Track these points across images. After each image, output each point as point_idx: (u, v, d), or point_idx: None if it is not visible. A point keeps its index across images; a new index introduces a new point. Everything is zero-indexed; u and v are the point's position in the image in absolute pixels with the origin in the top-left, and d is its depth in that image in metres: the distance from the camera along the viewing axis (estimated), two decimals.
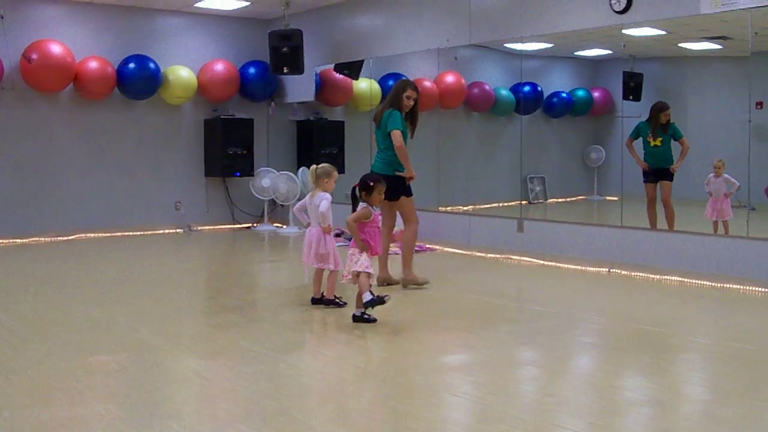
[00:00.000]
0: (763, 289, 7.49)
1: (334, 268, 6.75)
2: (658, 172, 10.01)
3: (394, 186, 7.64)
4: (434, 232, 10.81)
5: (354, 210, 6.43)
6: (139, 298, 7.43)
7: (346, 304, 6.71)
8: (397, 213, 8.06)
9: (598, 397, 4.53)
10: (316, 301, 6.92)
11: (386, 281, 7.81)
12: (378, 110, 7.98)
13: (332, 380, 4.77)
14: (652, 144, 10.12)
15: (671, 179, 10.00)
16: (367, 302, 6.10)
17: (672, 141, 10.12)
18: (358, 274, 6.20)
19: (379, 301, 6.10)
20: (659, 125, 10.06)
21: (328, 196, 6.77)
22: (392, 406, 4.29)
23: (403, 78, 7.99)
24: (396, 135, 7.66)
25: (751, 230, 8.60)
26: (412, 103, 7.80)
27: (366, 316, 6.16)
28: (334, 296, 6.85)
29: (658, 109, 10.18)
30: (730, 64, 11.53)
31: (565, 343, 5.76)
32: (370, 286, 6.26)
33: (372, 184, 6.44)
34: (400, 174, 7.78)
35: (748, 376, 4.95)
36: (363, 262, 6.22)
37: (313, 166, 6.95)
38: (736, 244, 8.06)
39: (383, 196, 6.61)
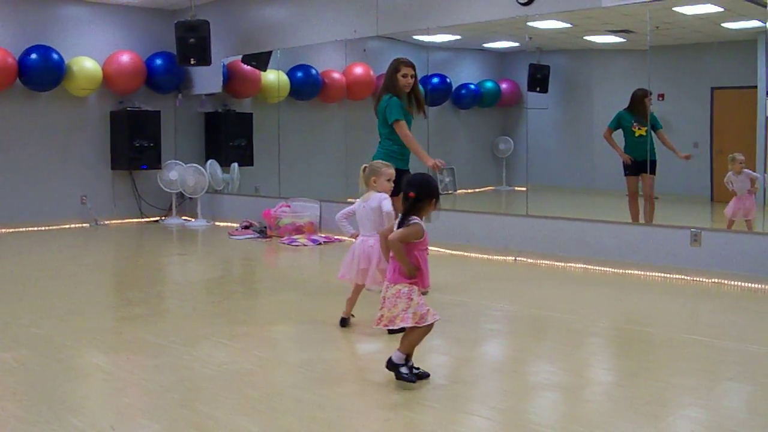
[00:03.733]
0: (661, 275, 7.73)
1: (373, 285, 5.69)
2: (640, 164, 9.40)
3: (398, 180, 6.74)
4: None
5: (402, 224, 4.45)
6: (42, 293, 7.26)
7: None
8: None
9: (504, 383, 4.60)
10: (345, 323, 5.83)
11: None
12: (375, 97, 7.08)
13: (236, 371, 4.74)
14: (637, 134, 9.45)
15: (654, 172, 9.46)
16: (398, 372, 4.40)
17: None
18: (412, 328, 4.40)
19: (410, 379, 4.38)
20: (643, 113, 9.40)
21: (386, 195, 5.69)
22: (296, 396, 4.28)
23: (395, 58, 6.88)
24: (398, 126, 6.73)
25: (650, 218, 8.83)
26: (410, 81, 6.79)
27: (407, 375, 4.39)
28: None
29: (642, 94, 9.44)
30: (633, 57, 11.78)
31: (472, 331, 5.82)
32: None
33: (417, 192, 4.43)
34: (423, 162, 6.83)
35: (647, 358, 5.11)
36: (419, 307, 4.37)
37: (363, 165, 5.84)
38: (637, 231, 8.26)
39: (436, 206, 4.55)
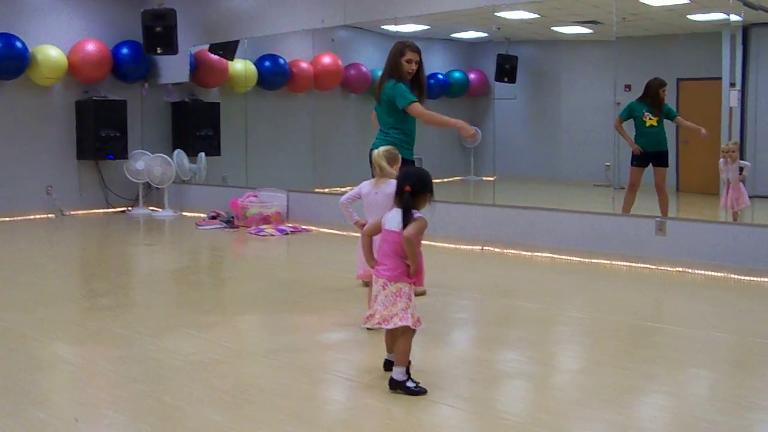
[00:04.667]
0: (627, 264, 7.79)
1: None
2: (651, 156, 9.27)
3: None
4: (310, 214, 10.81)
5: (407, 221, 4.20)
6: (6, 285, 7.18)
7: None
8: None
9: (470, 371, 4.62)
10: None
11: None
12: (377, 83, 6.52)
13: (202, 361, 4.72)
14: (648, 124, 9.26)
15: (666, 164, 9.37)
16: (406, 388, 4.14)
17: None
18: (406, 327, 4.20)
19: (421, 390, 4.14)
20: (657, 103, 9.24)
21: None
22: (262, 386, 4.27)
23: (400, 41, 6.47)
24: (415, 108, 6.22)
25: (616, 207, 8.90)
26: (414, 67, 6.32)
27: (416, 387, 4.16)
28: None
29: (658, 85, 9.31)
30: (600, 48, 11.85)
31: (440, 320, 5.83)
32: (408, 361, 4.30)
33: (413, 186, 4.26)
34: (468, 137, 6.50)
35: (613, 346, 5.15)
36: (415, 310, 4.23)
37: (376, 150, 5.41)
38: (603, 221, 8.30)
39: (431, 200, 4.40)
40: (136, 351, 4.95)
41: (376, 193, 5.43)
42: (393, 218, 4.26)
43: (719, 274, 7.31)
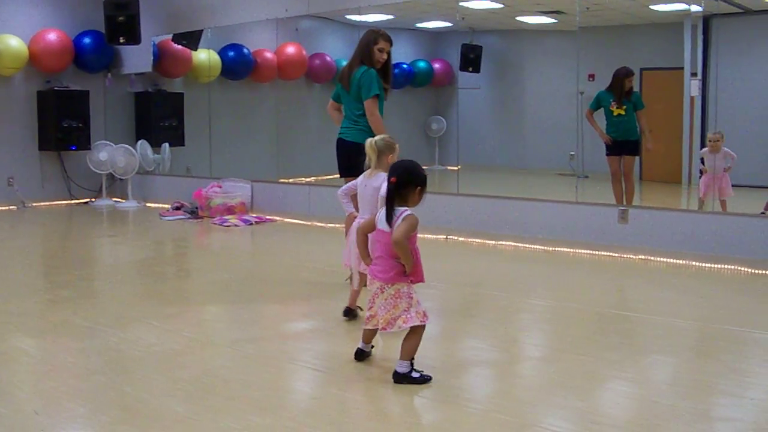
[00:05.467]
0: (590, 252, 7.85)
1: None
2: (621, 144, 9.29)
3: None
4: (274, 204, 10.79)
5: (390, 217, 4.11)
6: None
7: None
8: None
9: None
10: (349, 313, 5.34)
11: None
12: (344, 69, 6.43)
13: (165, 352, 4.69)
14: (616, 113, 9.28)
15: (635, 153, 9.44)
16: (411, 378, 4.11)
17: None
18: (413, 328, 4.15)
19: (425, 378, 4.13)
20: (623, 92, 9.24)
21: None
22: (223, 376, 4.26)
23: (373, 29, 6.40)
24: (372, 104, 6.16)
25: (580, 196, 8.96)
26: (384, 57, 6.31)
27: (420, 376, 4.13)
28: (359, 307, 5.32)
29: (623, 74, 9.29)
30: (563, 38, 11.91)
31: None
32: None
33: (399, 177, 4.12)
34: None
35: (576, 333, 5.19)
36: (420, 306, 4.15)
37: (371, 139, 5.10)
38: (567, 209, 8.35)
39: (422, 194, 4.21)
40: (97, 342, 4.91)
41: (365, 186, 5.22)
42: (383, 216, 4.15)
43: (681, 262, 7.39)
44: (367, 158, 5.12)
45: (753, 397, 3.99)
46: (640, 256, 7.63)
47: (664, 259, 7.49)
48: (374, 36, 6.28)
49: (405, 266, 4.09)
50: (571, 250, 7.99)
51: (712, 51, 9.93)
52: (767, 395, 4.09)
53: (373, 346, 4.50)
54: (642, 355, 4.71)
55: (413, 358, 4.14)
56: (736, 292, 6.46)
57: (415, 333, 4.13)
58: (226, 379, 4.22)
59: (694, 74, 9.38)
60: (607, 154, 9.39)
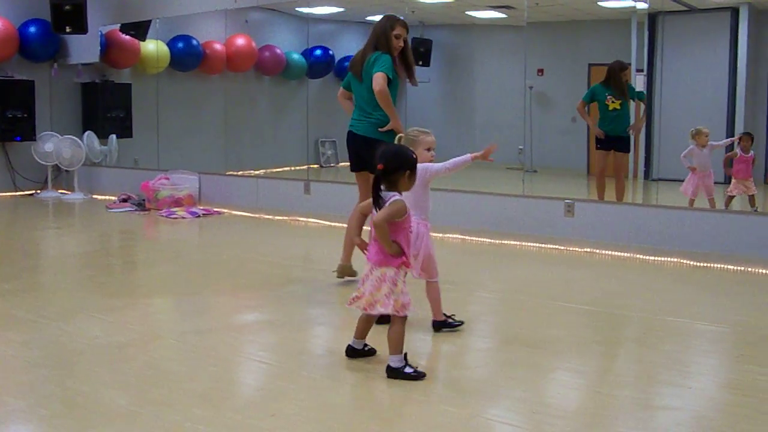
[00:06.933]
0: (537, 245, 7.92)
1: (427, 277, 5.00)
2: (613, 139, 9.11)
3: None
4: (222, 196, 10.73)
5: (377, 204, 4.09)
6: None
7: (462, 323, 5.05)
8: None
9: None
10: (438, 325, 5.00)
11: (346, 273, 6.29)
12: (357, 56, 6.05)
13: (108, 345, 4.64)
14: (611, 108, 9.06)
15: (627, 150, 9.30)
16: (404, 374, 4.06)
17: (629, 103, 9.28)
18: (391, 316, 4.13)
19: (419, 374, 4.07)
20: (618, 86, 9.04)
21: (429, 165, 4.88)
22: (167, 368, 4.23)
23: (388, 15, 6.02)
24: (378, 77, 5.72)
25: (526, 189, 9.03)
26: (401, 44, 5.91)
27: (414, 371, 4.08)
28: (445, 315, 5.04)
29: (618, 68, 9.10)
30: (513, 33, 11.98)
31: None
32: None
33: (386, 164, 4.07)
34: (383, 130, 5.94)
35: (518, 325, 5.26)
36: (402, 296, 4.09)
37: (399, 135, 4.85)
38: (514, 203, 8.41)
39: (413, 179, 4.18)
40: (39, 335, 4.85)
41: None
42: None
43: (626, 255, 7.48)
44: None
45: (693, 386, 4.06)
46: (586, 249, 7.71)
47: (610, 252, 7.59)
48: (391, 22, 5.91)
49: (387, 249, 4.04)
50: (518, 243, 8.06)
51: (658, 47, 10.06)
52: (707, 384, 4.16)
53: (367, 346, 4.36)
54: (585, 345, 4.76)
55: (405, 353, 4.09)
56: (678, 283, 6.57)
57: (395, 323, 4.10)
58: (170, 371, 4.20)
59: (639, 70, 9.48)
60: (597, 148, 9.27)
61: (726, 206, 8.48)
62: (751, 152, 8.54)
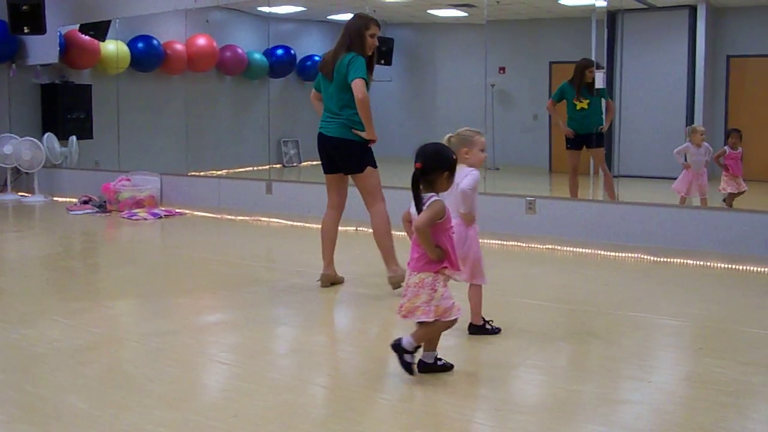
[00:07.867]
0: (498, 242, 7.96)
1: (473, 281, 4.91)
2: (584, 138, 9.12)
3: (359, 154, 5.99)
4: (184, 197, 10.68)
5: (418, 206, 3.95)
6: None
7: (499, 330, 4.91)
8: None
9: (343, 352, 4.64)
10: (474, 329, 4.88)
11: (330, 281, 6.19)
12: (328, 56, 5.90)
13: (68, 348, 4.60)
14: (578, 107, 9.08)
15: (602, 145, 9.22)
16: (401, 360, 4.03)
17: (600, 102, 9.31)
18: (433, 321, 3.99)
19: (408, 369, 4.03)
20: (584, 84, 9.03)
21: (475, 172, 4.66)
22: (128, 371, 4.20)
23: (361, 14, 5.94)
24: (358, 85, 5.62)
25: (488, 187, 9.06)
26: (375, 44, 5.82)
27: (408, 365, 4.03)
28: (483, 319, 4.93)
29: (583, 66, 9.12)
30: (474, 31, 12.02)
31: (312, 300, 5.84)
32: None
33: (424, 163, 3.97)
34: (359, 133, 5.87)
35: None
36: (443, 300, 3.98)
37: (448, 135, 4.57)
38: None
39: (451, 180, 4.09)
40: None
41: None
42: (413, 204, 3.99)
43: (587, 251, 7.54)
44: None
45: (654, 380, 4.10)
46: (547, 246, 7.76)
47: (571, 249, 7.64)
48: (365, 21, 5.80)
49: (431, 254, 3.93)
50: (480, 240, 8.05)
51: (618, 45, 10.15)
52: (667, 378, 4.20)
53: (441, 360, 4.14)
54: (546, 341, 4.79)
55: (420, 346, 4.03)
56: (639, 279, 6.62)
57: (436, 326, 4.01)
58: (131, 374, 4.16)
59: (600, 67, 9.54)
60: (566, 148, 9.27)
61: (729, 206, 8.49)
62: (739, 149, 8.55)
